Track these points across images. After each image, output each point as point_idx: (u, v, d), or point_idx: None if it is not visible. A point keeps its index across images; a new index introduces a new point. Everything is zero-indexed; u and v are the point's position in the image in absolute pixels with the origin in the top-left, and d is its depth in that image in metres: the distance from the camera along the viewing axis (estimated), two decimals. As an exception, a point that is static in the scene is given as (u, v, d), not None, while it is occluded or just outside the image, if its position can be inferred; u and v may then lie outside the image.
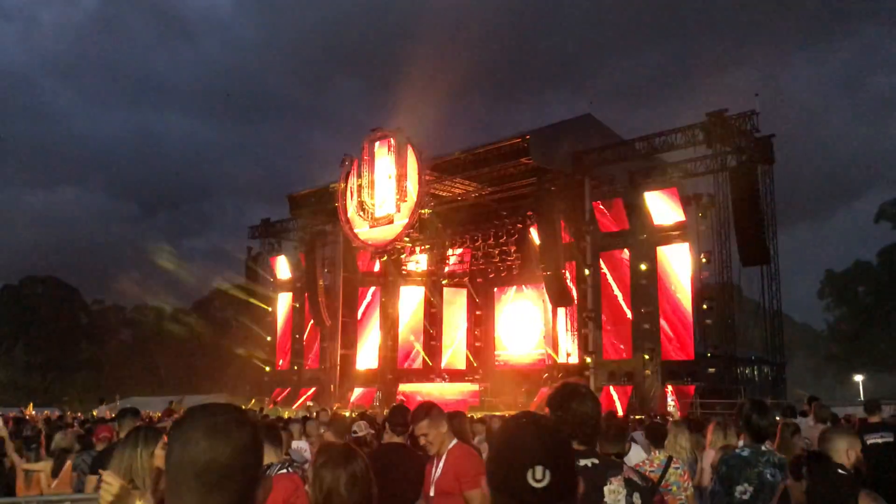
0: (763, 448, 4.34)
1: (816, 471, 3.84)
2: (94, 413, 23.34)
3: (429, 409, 4.59)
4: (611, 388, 25.24)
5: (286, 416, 17.68)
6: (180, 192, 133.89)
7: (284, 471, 4.23)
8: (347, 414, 20.06)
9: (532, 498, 1.65)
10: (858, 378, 43.50)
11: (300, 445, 7.62)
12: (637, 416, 18.00)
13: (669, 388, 23.66)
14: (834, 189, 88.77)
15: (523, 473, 1.66)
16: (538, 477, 1.65)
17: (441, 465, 4.41)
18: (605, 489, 2.75)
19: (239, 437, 1.46)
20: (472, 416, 13.17)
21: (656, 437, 6.58)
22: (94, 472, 6.66)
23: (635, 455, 6.69)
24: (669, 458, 6.25)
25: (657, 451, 6.36)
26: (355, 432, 8.10)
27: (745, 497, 4.19)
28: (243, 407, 1.69)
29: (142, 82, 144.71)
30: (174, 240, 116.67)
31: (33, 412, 24.50)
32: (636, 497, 2.78)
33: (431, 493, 4.42)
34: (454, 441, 4.53)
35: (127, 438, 3.74)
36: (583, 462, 2.77)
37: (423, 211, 28.28)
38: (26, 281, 65.23)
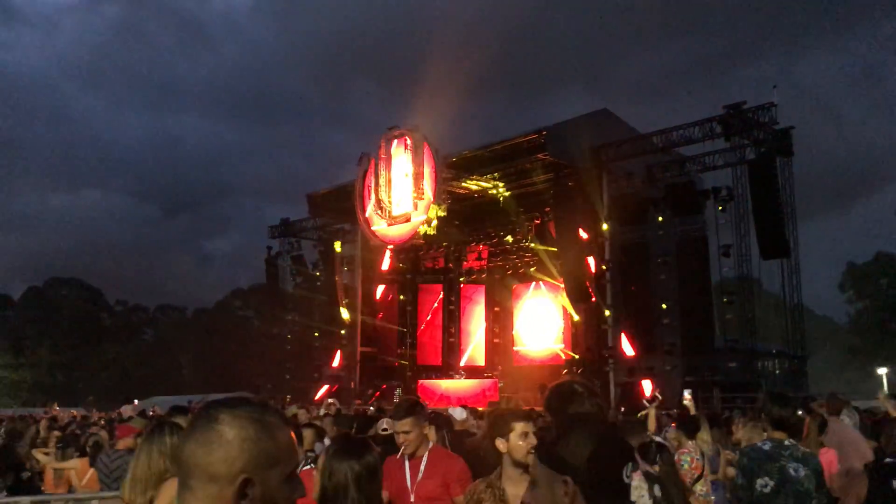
0: (786, 442, 4.33)
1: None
2: (120, 412, 23.63)
3: (412, 405, 4.37)
4: (638, 384, 25.22)
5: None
6: (201, 193, 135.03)
7: (308, 467, 4.28)
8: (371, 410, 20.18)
9: (623, 494, 1.79)
10: (882, 371, 43.06)
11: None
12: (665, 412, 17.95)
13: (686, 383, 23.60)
14: (854, 181, 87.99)
15: (621, 471, 1.78)
16: (629, 474, 1.78)
17: (423, 468, 4.17)
18: (630, 486, 2.79)
19: (200, 436, 1.45)
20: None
21: (689, 430, 6.68)
22: None
23: None
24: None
25: (692, 443, 6.47)
26: (385, 429, 8.13)
27: (766, 490, 4.17)
28: (252, 402, 1.62)
29: (162, 86, 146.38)
30: (195, 241, 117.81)
31: (58, 410, 24.85)
32: (657, 489, 2.86)
33: (412, 499, 4.16)
34: (432, 443, 4.35)
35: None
36: None
37: (439, 207, 28.31)
38: (51, 283, 66.12)
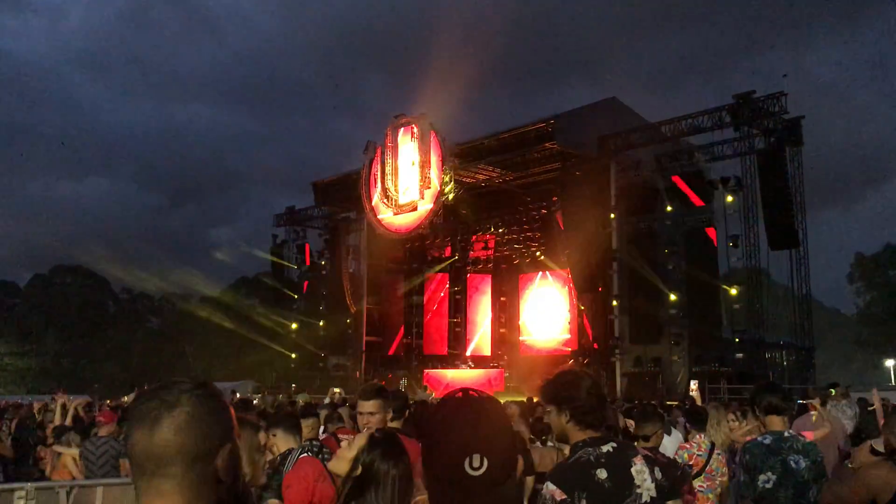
0: (786, 434, 4.26)
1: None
2: (125, 400, 23.62)
3: (380, 389, 4.41)
4: (638, 373, 25.17)
5: (311, 401, 17.74)
6: (207, 182, 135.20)
7: (307, 454, 4.20)
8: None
9: (470, 486, 1.62)
10: (889, 363, 42.95)
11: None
12: (669, 403, 17.88)
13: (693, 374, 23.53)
14: (863, 172, 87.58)
15: (461, 462, 1.62)
16: (475, 465, 1.62)
17: None
18: (633, 470, 2.78)
19: (171, 422, 1.43)
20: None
21: (697, 421, 6.55)
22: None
23: (675, 439, 6.66)
24: (713, 444, 6.24)
25: (701, 436, 6.34)
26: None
27: (769, 486, 4.09)
28: (197, 380, 1.58)
29: (169, 75, 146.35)
30: (201, 229, 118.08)
31: (65, 397, 24.79)
32: (657, 472, 2.83)
33: None
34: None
35: None
36: (604, 448, 2.81)
37: (447, 195, 28.20)
38: (56, 270, 66.22)
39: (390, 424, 4.79)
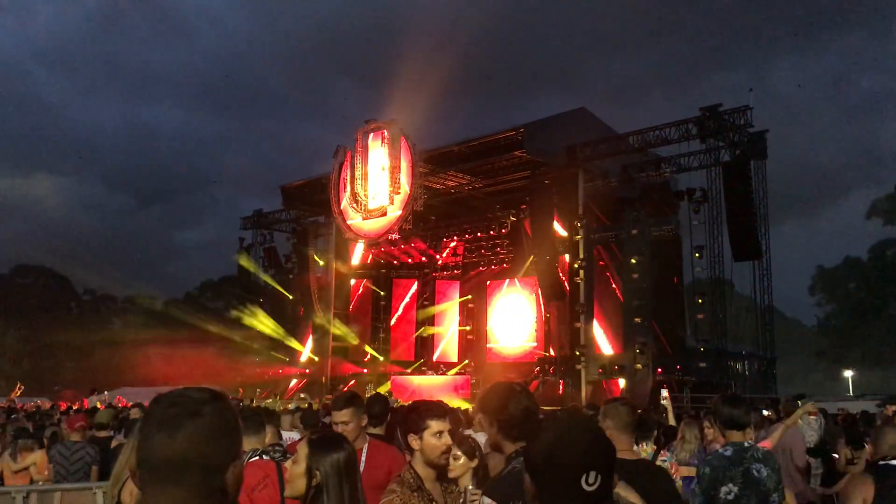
0: (746, 444, 4.31)
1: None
2: (86, 403, 23.29)
3: (352, 397, 4.41)
4: (603, 382, 25.33)
5: (279, 407, 17.66)
6: (174, 183, 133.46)
7: (256, 458, 4.19)
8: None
9: (584, 501, 1.70)
10: (848, 374, 43.73)
11: (291, 436, 7.61)
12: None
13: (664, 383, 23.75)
14: (823, 187, 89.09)
15: (578, 478, 1.70)
16: (591, 481, 1.70)
17: (364, 459, 4.18)
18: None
19: (193, 429, 1.44)
20: (468, 409, 13.20)
21: (643, 431, 6.59)
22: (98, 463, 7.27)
23: None
24: (657, 452, 6.28)
25: (644, 444, 6.38)
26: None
27: (730, 497, 4.13)
28: (215, 391, 1.58)
29: (137, 74, 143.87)
30: (167, 231, 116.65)
31: (19, 393, 24.32)
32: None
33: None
34: (368, 437, 4.39)
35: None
36: None
37: (415, 202, 28.23)
38: (18, 270, 65.05)
39: (372, 430, 4.80)
